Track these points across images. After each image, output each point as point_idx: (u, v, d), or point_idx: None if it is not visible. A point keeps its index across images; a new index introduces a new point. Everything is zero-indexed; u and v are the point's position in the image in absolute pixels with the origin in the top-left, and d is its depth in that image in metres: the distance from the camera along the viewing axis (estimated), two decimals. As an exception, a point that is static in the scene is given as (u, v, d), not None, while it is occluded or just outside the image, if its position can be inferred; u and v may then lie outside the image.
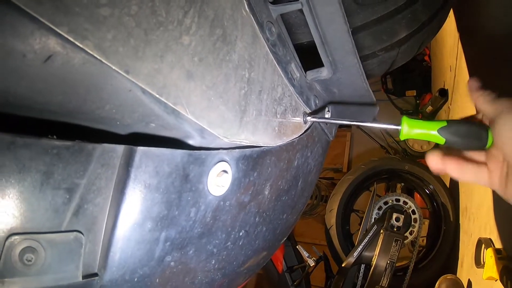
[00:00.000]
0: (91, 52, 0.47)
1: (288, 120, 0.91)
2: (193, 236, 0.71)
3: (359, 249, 2.84)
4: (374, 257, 2.74)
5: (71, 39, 0.45)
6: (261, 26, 0.78)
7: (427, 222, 3.43)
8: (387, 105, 5.34)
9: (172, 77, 0.57)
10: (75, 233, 0.56)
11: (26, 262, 0.52)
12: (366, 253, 2.86)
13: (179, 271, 0.72)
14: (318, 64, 1.02)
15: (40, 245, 0.53)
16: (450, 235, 3.17)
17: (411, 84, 5.25)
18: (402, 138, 0.84)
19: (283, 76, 0.87)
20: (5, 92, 0.51)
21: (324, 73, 1.01)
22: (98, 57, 0.48)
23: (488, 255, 1.83)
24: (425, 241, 3.45)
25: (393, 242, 2.76)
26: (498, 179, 0.74)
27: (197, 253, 0.74)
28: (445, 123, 0.78)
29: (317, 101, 1.08)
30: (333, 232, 3.45)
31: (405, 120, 0.82)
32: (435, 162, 0.82)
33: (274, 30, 0.83)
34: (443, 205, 3.27)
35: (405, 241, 2.97)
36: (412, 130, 0.80)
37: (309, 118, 1.00)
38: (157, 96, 0.55)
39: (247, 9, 0.73)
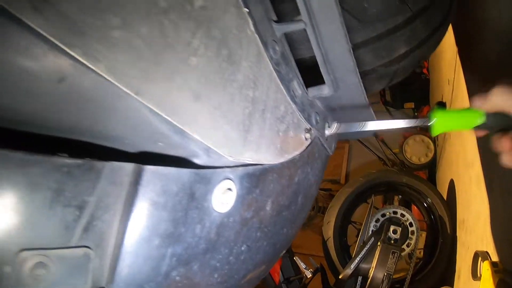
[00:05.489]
0: (103, 75, 0.48)
1: (289, 137, 0.92)
2: (198, 252, 0.72)
3: (356, 261, 2.85)
4: (371, 269, 2.75)
5: (84, 62, 0.47)
6: (265, 45, 0.79)
7: (424, 234, 3.45)
8: (385, 117, 5.37)
9: (180, 98, 0.58)
10: (84, 248, 0.57)
11: (36, 277, 0.54)
12: (363, 265, 2.87)
13: (184, 286, 0.73)
14: (320, 79, 1.03)
15: (50, 260, 0.55)
16: (447, 247, 3.17)
17: (409, 97, 5.31)
18: (434, 134, 0.83)
19: (285, 94, 0.88)
20: (18, 111, 0.52)
21: (325, 90, 1.03)
22: (110, 79, 0.49)
23: (485, 268, 1.84)
24: (422, 253, 3.47)
25: (390, 255, 2.77)
26: None
27: (201, 268, 0.75)
28: (481, 115, 0.77)
29: (318, 118, 1.09)
30: (331, 244, 3.45)
31: (436, 114, 0.80)
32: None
33: (277, 48, 0.85)
34: (440, 217, 3.28)
35: (402, 254, 2.98)
36: (445, 124, 0.80)
37: (313, 132, 1.01)
38: (166, 117, 0.56)
39: (252, 29, 0.75)
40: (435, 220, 3.35)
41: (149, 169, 0.60)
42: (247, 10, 0.72)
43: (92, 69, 0.48)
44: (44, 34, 0.44)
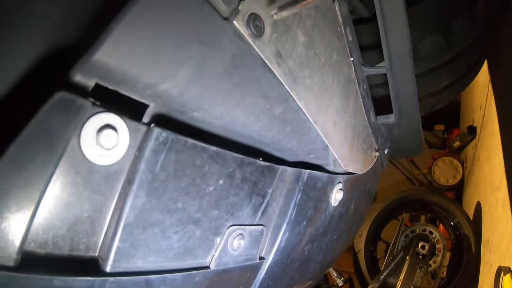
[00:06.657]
0: (302, 108, 0.76)
1: (367, 154, 1.19)
2: (319, 234, 0.99)
3: (385, 274, 2.98)
4: (398, 282, 2.87)
5: (295, 100, 0.75)
6: (359, 84, 1.06)
7: (448, 254, 3.57)
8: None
9: (329, 125, 0.86)
10: (261, 226, 0.81)
11: (235, 248, 0.75)
12: (391, 279, 2.98)
13: (306, 260, 0.99)
14: (384, 110, 1.29)
15: (245, 233, 0.76)
16: (471, 265, 3.33)
17: (439, 119, 5.44)
18: None
19: (367, 121, 1.15)
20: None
21: (391, 119, 1.29)
22: (305, 111, 0.77)
23: (506, 280, 2.03)
24: (445, 272, 3.62)
25: (418, 269, 2.92)
26: None
27: (316, 247, 1.02)
28: None
29: (382, 140, 1.35)
30: (361, 256, 3.63)
31: None
32: None
33: (365, 86, 1.11)
34: (466, 236, 3.44)
35: (429, 269, 3.09)
36: None
37: (379, 152, 1.27)
38: (323, 137, 0.83)
39: (353, 73, 1.02)
40: (461, 239, 3.51)
41: (306, 172, 0.86)
42: (352, 58, 0.99)
43: (297, 104, 0.75)
44: (281, 80, 0.69)
